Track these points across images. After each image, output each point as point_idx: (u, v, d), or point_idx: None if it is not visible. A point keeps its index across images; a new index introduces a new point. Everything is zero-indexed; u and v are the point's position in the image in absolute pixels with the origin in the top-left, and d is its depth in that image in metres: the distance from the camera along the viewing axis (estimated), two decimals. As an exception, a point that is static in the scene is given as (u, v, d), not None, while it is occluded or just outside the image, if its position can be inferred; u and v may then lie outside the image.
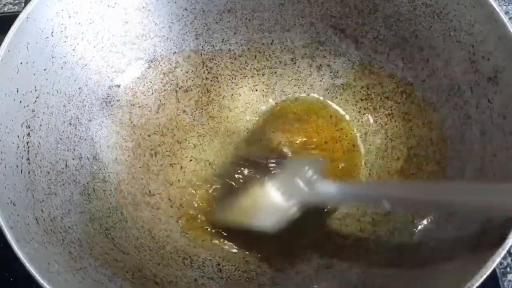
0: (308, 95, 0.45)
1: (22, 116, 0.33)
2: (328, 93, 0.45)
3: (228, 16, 0.43)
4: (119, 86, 0.41)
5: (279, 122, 0.44)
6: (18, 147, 0.33)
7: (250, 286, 0.36)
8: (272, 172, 0.40)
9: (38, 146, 0.34)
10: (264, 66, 0.45)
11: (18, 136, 0.33)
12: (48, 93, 0.36)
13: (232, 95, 0.45)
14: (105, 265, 0.33)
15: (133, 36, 0.41)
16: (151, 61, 0.43)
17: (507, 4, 0.53)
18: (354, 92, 0.44)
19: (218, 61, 0.45)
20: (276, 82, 0.46)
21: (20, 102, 0.33)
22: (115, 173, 0.39)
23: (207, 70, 0.45)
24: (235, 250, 0.39)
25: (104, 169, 0.39)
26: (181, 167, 0.43)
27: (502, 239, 0.27)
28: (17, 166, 0.32)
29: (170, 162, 0.42)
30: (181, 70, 0.44)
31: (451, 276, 0.29)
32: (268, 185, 0.36)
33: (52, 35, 0.36)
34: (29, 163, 0.33)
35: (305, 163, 0.37)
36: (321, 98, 0.45)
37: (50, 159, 0.35)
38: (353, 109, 0.44)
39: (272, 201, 0.35)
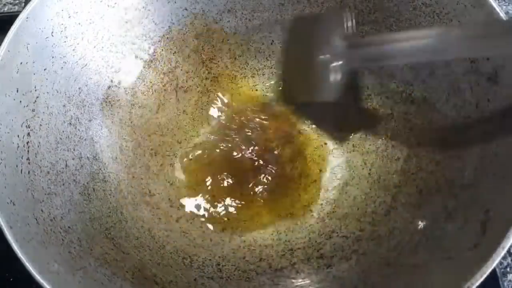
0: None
1: (22, 116, 0.33)
2: (328, 93, 0.44)
3: (228, 16, 0.43)
4: (119, 86, 0.41)
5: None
6: (18, 147, 0.33)
7: (250, 286, 0.36)
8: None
9: (38, 146, 0.34)
10: (264, 66, 0.45)
11: (18, 136, 0.33)
12: (48, 93, 0.36)
13: (232, 95, 0.45)
14: (105, 265, 0.33)
15: (133, 36, 0.41)
16: (151, 61, 0.43)
17: (507, 4, 0.53)
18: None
19: (218, 61, 0.45)
20: (276, 82, 0.46)
21: (20, 102, 0.33)
22: (115, 173, 0.39)
23: (207, 70, 0.45)
24: (235, 249, 0.39)
25: (104, 169, 0.39)
26: (181, 167, 0.43)
27: (502, 238, 0.27)
28: (17, 166, 0.32)
29: (170, 162, 0.42)
30: (181, 70, 0.44)
31: (451, 276, 0.28)
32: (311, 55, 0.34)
33: (52, 35, 0.36)
34: (29, 163, 0.33)
35: (336, 19, 0.35)
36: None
37: (50, 159, 0.35)
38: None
39: (322, 70, 0.34)
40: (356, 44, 0.34)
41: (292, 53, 0.40)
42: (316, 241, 0.38)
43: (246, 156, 0.43)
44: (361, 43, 0.34)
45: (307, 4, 0.42)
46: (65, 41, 0.37)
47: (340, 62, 0.34)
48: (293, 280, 0.36)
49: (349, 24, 0.34)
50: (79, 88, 0.38)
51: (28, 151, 0.33)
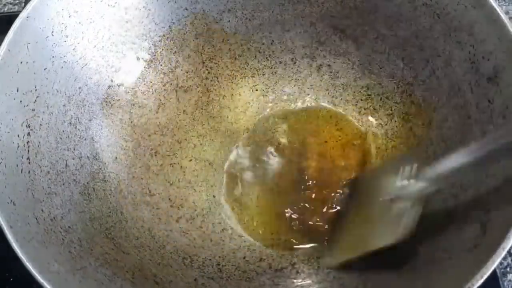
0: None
1: (22, 116, 0.33)
2: (328, 93, 0.45)
3: (228, 16, 0.43)
4: (119, 85, 0.41)
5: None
6: (18, 146, 0.33)
7: (250, 286, 0.36)
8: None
9: (38, 146, 0.34)
10: (264, 66, 0.45)
11: (18, 136, 0.33)
12: (48, 92, 0.36)
13: (232, 95, 0.45)
14: (105, 265, 0.33)
15: (133, 35, 0.41)
16: (151, 61, 0.43)
17: (507, 4, 0.53)
18: (354, 92, 0.44)
19: (218, 61, 0.45)
20: (276, 82, 0.46)
21: (20, 101, 0.33)
22: (115, 173, 0.39)
23: (207, 70, 0.45)
24: (235, 249, 0.39)
25: (104, 169, 0.39)
26: (181, 167, 0.43)
27: (502, 239, 0.27)
28: (17, 166, 0.32)
29: (170, 162, 0.42)
30: (181, 70, 0.44)
31: (451, 276, 0.28)
32: (375, 200, 0.34)
33: (52, 35, 0.36)
34: (29, 163, 0.33)
35: (396, 164, 0.35)
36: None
37: (50, 158, 0.35)
38: (353, 109, 0.44)
39: (386, 213, 0.33)
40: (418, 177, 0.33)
41: (355, 208, 0.39)
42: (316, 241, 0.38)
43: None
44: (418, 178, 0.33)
45: (307, 4, 0.42)
46: (65, 41, 0.37)
47: (405, 201, 0.33)
48: (294, 280, 0.36)
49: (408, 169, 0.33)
50: (79, 88, 0.38)
51: (28, 150, 0.33)
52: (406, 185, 0.33)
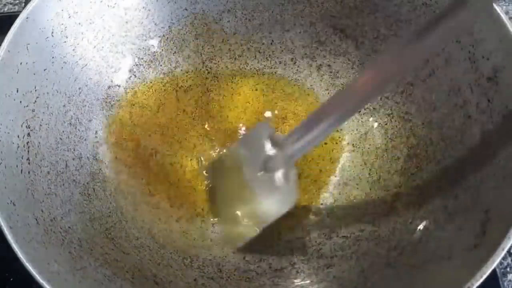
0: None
1: (22, 116, 0.33)
2: (328, 93, 0.44)
3: (228, 16, 0.43)
4: (119, 86, 0.41)
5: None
6: (18, 147, 0.33)
7: (250, 286, 0.36)
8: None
9: (38, 146, 0.34)
10: (264, 66, 0.45)
11: (18, 136, 0.33)
12: (48, 93, 0.36)
13: (232, 95, 0.45)
14: (105, 265, 0.33)
15: (133, 36, 0.41)
16: (151, 61, 0.43)
17: (507, 4, 0.53)
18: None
19: (218, 61, 0.45)
20: (276, 82, 0.46)
21: (20, 102, 0.33)
22: (115, 173, 0.39)
23: (207, 70, 0.45)
24: (235, 249, 0.39)
25: (104, 169, 0.39)
26: (181, 167, 0.43)
27: (502, 239, 0.27)
28: (17, 166, 0.32)
29: (170, 162, 0.42)
30: (181, 70, 0.44)
31: (451, 276, 0.28)
32: (244, 175, 0.35)
33: (52, 35, 0.36)
34: (29, 163, 0.33)
35: (256, 134, 0.36)
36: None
37: (50, 159, 0.35)
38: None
39: (267, 185, 0.34)
40: (282, 145, 0.34)
41: (222, 185, 0.40)
42: (316, 241, 0.38)
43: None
44: (286, 142, 0.34)
45: (307, 4, 0.42)
46: (65, 41, 0.37)
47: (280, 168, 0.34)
48: (294, 280, 0.36)
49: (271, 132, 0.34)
50: (79, 88, 0.38)
51: (28, 151, 0.33)
52: (275, 153, 0.34)
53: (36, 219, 0.31)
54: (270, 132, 0.36)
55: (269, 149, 0.35)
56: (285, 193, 0.35)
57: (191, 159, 0.43)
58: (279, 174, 0.35)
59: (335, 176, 0.42)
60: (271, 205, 0.35)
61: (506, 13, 0.52)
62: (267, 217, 0.36)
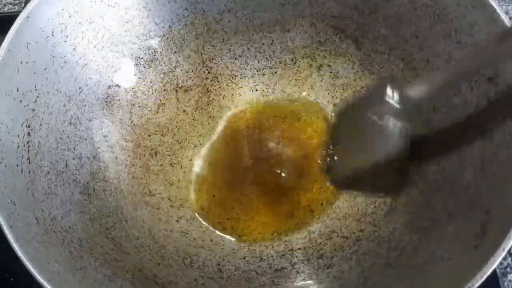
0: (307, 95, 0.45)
1: (22, 116, 0.33)
2: (328, 93, 0.45)
3: (228, 16, 0.43)
4: (119, 85, 0.41)
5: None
6: (18, 146, 0.33)
7: (250, 286, 0.36)
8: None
9: (38, 146, 0.34)
10: (264, 66, 0.45)
11: (18, 136, 0.33)
12: (48, 92, 0.36)
13: (232, 95, 0.45)
14: (105, 265, 0.33)
15: (133, 35, 0.41)
16: (151, 61, 0.43)
17: (507, 4, 0.53)
18: (354, 92, 0.44)
19: (218, 61, 0.45)
20: (276, 82, 0.46)
21: (20, 101, 0.33)
22: (115, 173, 0.39)
23: (207, 70, 0.45)
24: (235, 249, 0.39)
25: (104, 169, 0.39)
26: (181, 167, 0.43)
27: (502, 239, 0.27)
28: (17, 166, 0.32)
29: (170, 162, 0.42)
30: (181, 70, 0.44)
31: (452, 276, 0.28)
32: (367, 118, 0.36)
33: (53, 35, 0.36)
34: (29, 163, 0.33)
35: (379, 89, 0.37)
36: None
37: (50, 158, 0.35)
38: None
39: (380, 131, 0.36)
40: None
41: (345, 129, 0.42)
42: (316, 241, 0.38)
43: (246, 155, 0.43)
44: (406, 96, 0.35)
45: (308, 4, 0.42)
46: (65, 41, 0.37)
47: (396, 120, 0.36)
48: (294, 280, 0.36)
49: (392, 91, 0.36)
50: (80, 88, 0.38)
51: (28, 151, 0.33)
52: (394, 105, 0.35)
53: (36, 219, 0.31)
54: (392, 85, 0.36)
55: (391, 98, 0.35)
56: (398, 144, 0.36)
57: (190, 160, 0.43)
58: (396, 124, 0.36)
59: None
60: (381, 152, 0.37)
61: (506, 13, 0.52)
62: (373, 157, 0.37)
